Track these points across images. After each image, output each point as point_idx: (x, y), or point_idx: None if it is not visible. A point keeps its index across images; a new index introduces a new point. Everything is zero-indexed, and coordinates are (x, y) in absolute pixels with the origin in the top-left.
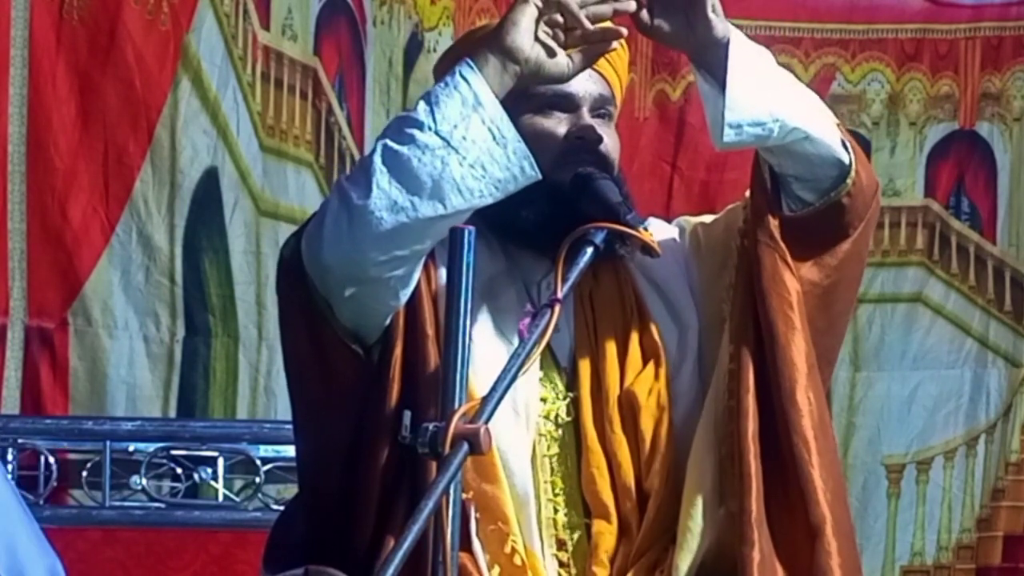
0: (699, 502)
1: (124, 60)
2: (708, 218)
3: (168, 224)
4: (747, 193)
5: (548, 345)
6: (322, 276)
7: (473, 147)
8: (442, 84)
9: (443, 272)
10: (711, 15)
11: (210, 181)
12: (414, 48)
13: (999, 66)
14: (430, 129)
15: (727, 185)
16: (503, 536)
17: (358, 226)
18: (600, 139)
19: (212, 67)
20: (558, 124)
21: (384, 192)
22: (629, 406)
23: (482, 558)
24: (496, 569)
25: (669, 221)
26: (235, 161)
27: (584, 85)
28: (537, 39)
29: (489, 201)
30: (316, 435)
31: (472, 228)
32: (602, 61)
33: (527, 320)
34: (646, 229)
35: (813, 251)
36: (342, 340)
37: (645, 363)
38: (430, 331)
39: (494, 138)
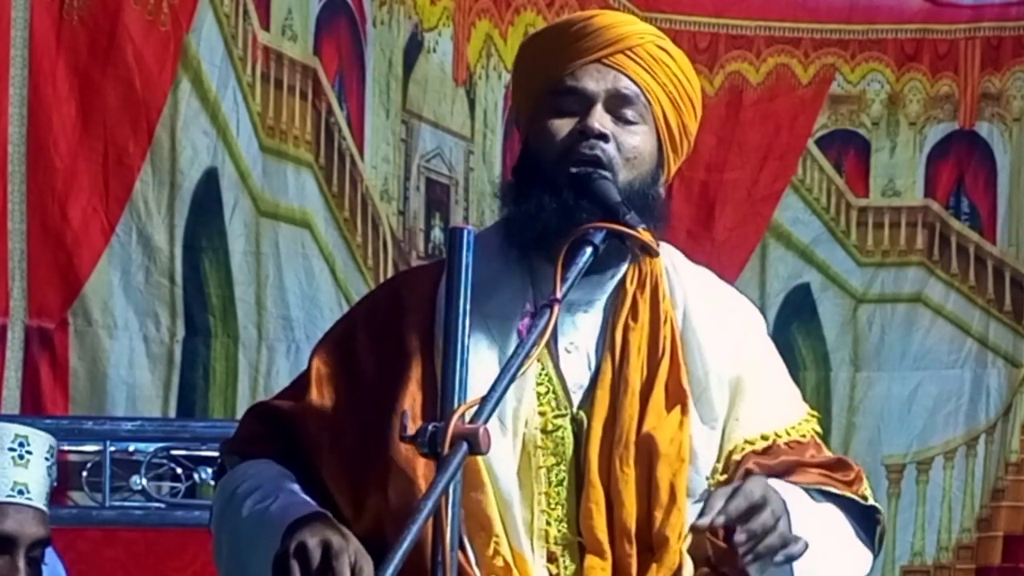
0: None
1: (124, 60)
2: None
3: (168, 224)
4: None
5: (556, 364)
6: None
7: None
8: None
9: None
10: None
11: (210, 181)
12: (414, 48)
13: (999, 66)
14: None
15: (727, 185)
16: (486, 540)
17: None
18: (601, 135)
19: (212, 67)
20: (566, 123)
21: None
22: (647, 450)
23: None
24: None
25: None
26: (235, 161)
27: (596, 82)
28: None
29: None
30: None
31: (471, 228)
32: (625, 60)
33: (527, 320)
34: (646, 230)
35: None
36: None
37: (669, 407)
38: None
39: None
